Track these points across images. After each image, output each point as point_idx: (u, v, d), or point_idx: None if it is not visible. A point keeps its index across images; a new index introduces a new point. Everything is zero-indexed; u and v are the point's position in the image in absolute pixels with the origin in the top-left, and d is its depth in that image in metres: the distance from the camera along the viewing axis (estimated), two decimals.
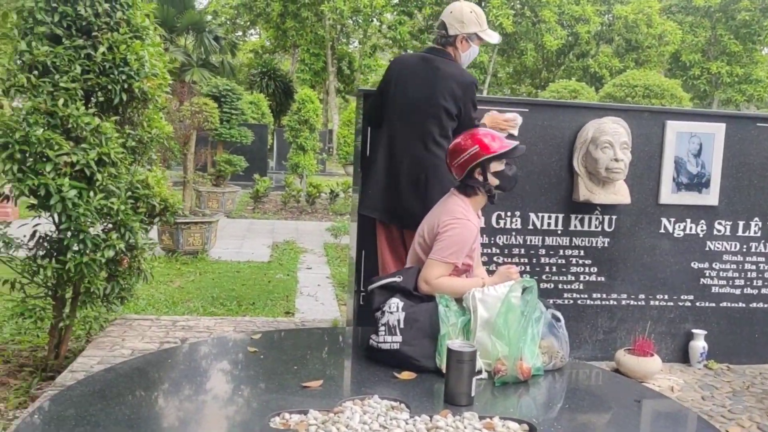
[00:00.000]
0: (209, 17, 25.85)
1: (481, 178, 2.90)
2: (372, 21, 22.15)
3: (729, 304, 4.18)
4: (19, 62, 3.37)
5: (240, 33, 27.02)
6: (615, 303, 4.07)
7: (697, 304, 4.14)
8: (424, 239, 2.94)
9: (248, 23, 25.00)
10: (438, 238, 2.82)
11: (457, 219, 2.82)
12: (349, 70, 23.60)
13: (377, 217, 3.53)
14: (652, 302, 4.10)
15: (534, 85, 26.42)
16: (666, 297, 4.11)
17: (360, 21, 22.14)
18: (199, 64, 26.28)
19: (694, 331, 4.11)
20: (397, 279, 2.82)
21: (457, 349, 2.33)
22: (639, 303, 4.08)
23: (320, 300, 5.74)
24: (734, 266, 4.15)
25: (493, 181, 2.91)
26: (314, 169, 13.36)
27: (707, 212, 4.09)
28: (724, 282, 4.16)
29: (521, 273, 3.88)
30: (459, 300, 2.80)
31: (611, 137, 3.74)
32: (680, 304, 4.13)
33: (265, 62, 26.70)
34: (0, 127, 3.24)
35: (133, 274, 3.75)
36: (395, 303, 2.72)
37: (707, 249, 4.12)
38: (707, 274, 4.14)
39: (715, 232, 4.12)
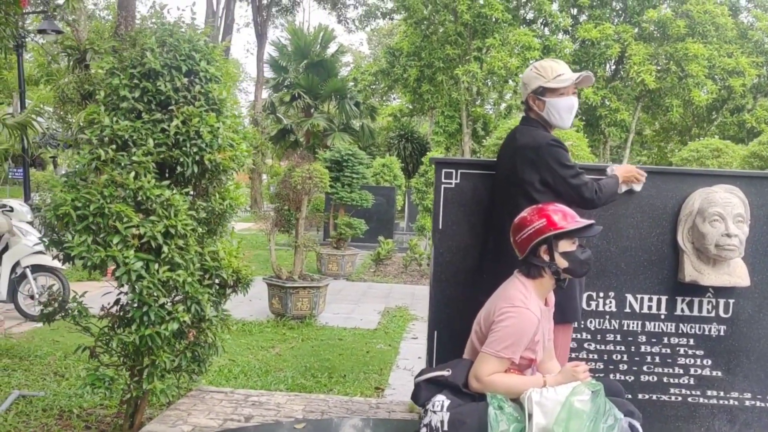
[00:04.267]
0: (350, 84, 26.93)
1: (547, 258, 2.56)
2: (507, 82, 21.96)
3: None
4: (100, 137, 3.47)
5: (379, 98, 27.85)
6: (736, 403, 3.44)
7: None
8: (480, 327, 2.62)
9: (386, 88, 25.69)
10: (492, 328, 2.50)
11: (514, 307, 2.48)
12: (484, 131, 23.45)
13: None
14: None
15: (683, 143, 24.77)
16: None
17: (494, 82, 22.03)
18: (340, 128, 27.34)
19: None
20: (445, 373, 2.52)
21: None
22: (767, 405, 3.43)
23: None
24: None
25: (561, 263, 2.56)
26: None
27: None
28: None
29: (617, 362, 3.42)
30: (517, 400, 2.44)
31: (722, 208, 3.22)
32: None
33: (402, 125, 27.24)
34: (80, 199, 3.32)
35: (203, 347, 3.69)
36: (440, 401, 2.42)
37: None
38: None
39: None
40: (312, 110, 27.84)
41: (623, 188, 3.27)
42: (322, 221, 12.57)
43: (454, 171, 3.48)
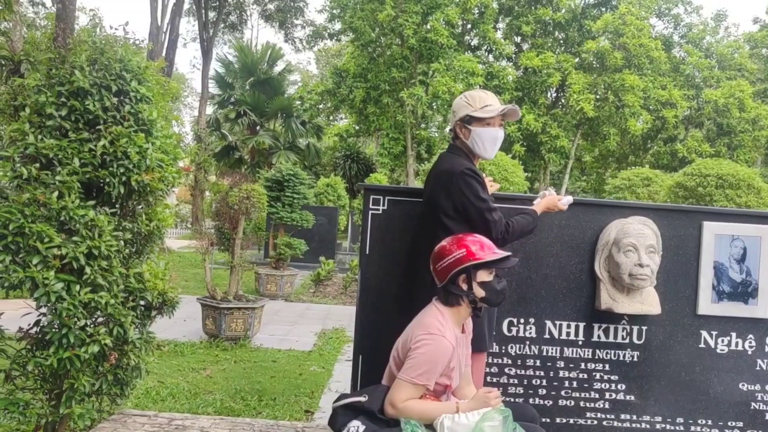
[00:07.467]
0: (297, 102, 26.93)
1: (465, 287, 2.63)
2: (451, 106, 22.34)
3: None
4: (23, 155, 3.40)
5: (325, 117, 27.90)
6: (648, 426, 3.57)
7: None
8: (398, 353, 2.67)
9: (332, 108, 25.78)
10: (409, 355, 2.55)
11: (430, 334, 2.54)
12: (427, 154, 23.74)
13: None
14: (692, 428, 3.58)
15: (620, 170, 25.61)
16: (710, 422, 3.58)
17: (438, 106, 22.38)
18: (286, 146, 27.27)
19: None
20: (362, 399, 2.55)
21: None
22: (677, 428, 3.58)
23: None
24: None
25: (479, 292, 2.64)
26: None
27: (756, 325, 3.59)
28: None
29: (536, 387, 3.51)
30: (431, 426, 2.49)
31: (635, 239, 3.37)
32: (727, 431, 3.58)
33: (348, 146, 27.35)
34: None
35: (125, 369, 3.63)
36: (355, 426, 2.45)
37: (758, 368, 3.59)
38: (759, 398, 3.59)
39: None
40: (257, 128, 27.72)
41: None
42: (263, 241, 12.48)
43: (381, 198, 3.54)
